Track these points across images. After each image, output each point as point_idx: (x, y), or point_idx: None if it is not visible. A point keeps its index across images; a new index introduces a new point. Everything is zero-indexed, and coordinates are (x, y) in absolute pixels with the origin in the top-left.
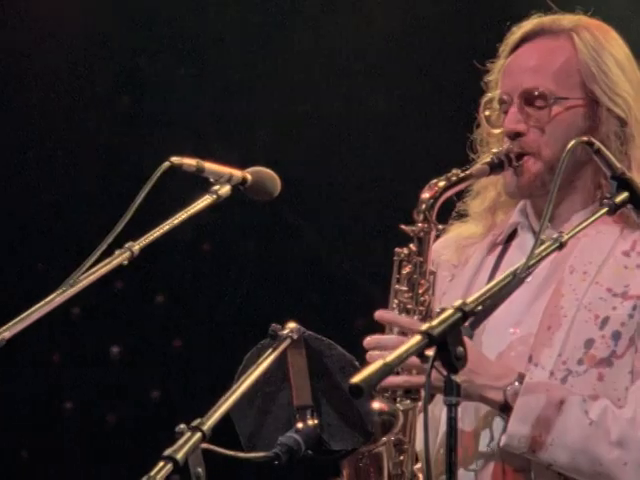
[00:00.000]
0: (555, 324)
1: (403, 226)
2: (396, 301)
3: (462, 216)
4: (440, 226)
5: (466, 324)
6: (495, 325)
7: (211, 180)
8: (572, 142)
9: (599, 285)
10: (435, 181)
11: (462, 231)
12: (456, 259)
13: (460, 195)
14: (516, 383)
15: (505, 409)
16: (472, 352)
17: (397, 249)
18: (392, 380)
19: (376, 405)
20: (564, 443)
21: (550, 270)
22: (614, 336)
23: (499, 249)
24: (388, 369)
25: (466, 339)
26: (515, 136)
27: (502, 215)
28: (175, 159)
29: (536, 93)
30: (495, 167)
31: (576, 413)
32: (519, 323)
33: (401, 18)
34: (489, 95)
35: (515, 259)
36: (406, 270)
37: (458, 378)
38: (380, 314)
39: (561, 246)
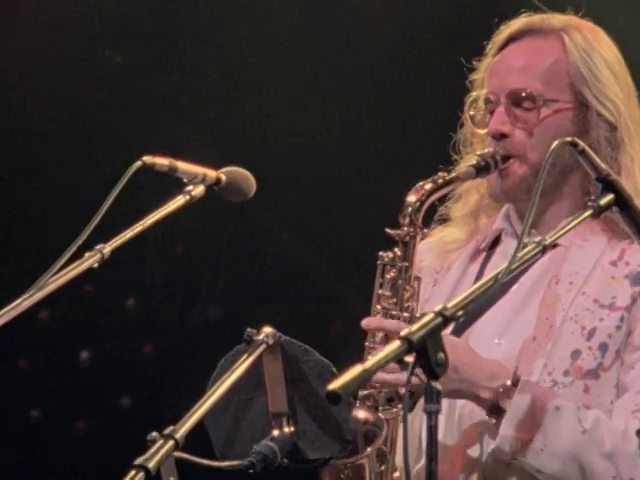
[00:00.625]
0: (541, 335)
1: (388, 229)
2: (379, 306)
3: (444, 220)
4: (425, 230)
5: (447, 331)
6: (480, 335)
7: (184, 180)
8: (555, 143)
9: (586, 296)
10: (421, 184)
11: (444, 236)
12: (438, 264)
13: (442, 199)
14: (508, 383)
15: (494, 410)
16: (465, 349)
17: (381, 253)
18: (381, 377)
19: (361, 415)
20: (556, 450)
21: (536, 280)
22: (601, 348)
23: (483, 256)
24: (367, 375)
25: (455, 339)
26: (501, 137)
27: (485, 219)
28: (147, 158)
29: (524, 94)
30: (481, 169)
31: (570, 420)
32: (504, 333)
33: (384, 15)
34: (474, 94)
35: (499, 266)
36: (390, 275)
37: (451, 375)
38: (366, 322)
39: (544, 250)
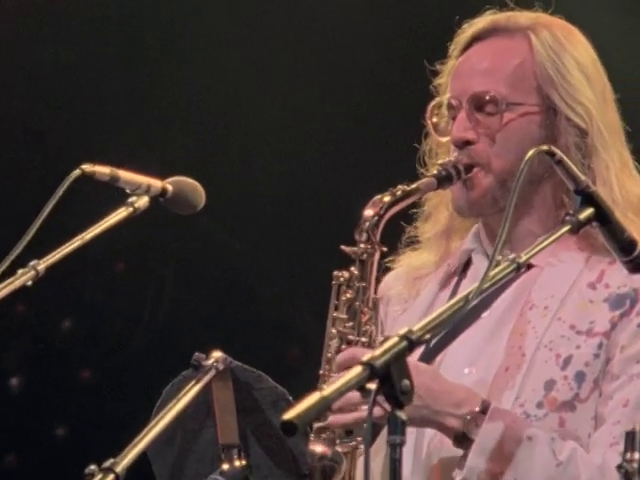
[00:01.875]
0: (513, 365)
1: (344, 247)
2: (334, 330)
3: (413, 243)
4: (385, 248)
5: (412, 357)
6: (450, 364)
7: (127, 191)
8: (531, 151)
9: (561, 321)
10: (379, 197)
11: (413, 261)
12: (407, 293)
13: (410, 219)
14: (477, 409)
15: (462, 440)
16: (432, 375)
17: (336, 272)
18: (339, 419)
19: (317, 449)
20: None
21: (509, 305)
22: (577, 377)
23: (454, 281)
24: (325, 404)
25: (420, 364)
26: (464, 145)
27: (458, 241)
28: (86, 167)
29: (487, 98)
30: (443, 180)
31: (544, 452)
32: (475, 362)
33: (341, 18)
34: (437, 100)
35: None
36: (346, 296)
37: (415, 401)
38: (340, 361)
39: (519, 268)
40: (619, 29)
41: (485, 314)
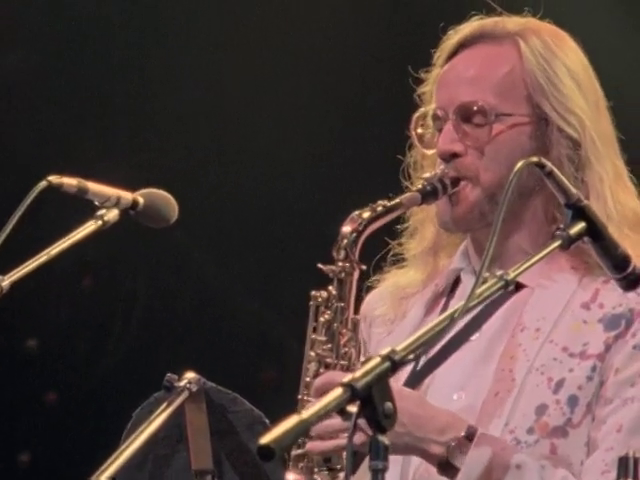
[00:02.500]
0: (503, 390)
1: (321, 265)
2: (313, 353)
3: (399, 261)
4: (364, 266)
5: (399, 381)
6: (438, 389)
7: (96, 203)
8: (520, 163)
9: (553, 344)
10: (358, 212)
11: (399, 280)
12: (392, 313)
13: (395, 236)
14: (462, 435)
15: (446, 467)
16: (415, 399)
17: (313, 292)
18: (318, 446)
19: (290, 477)
20: None
21: (499, 327)
22: (570, 401)
23: (442, 302)
24: (304, 427)
25: (404, 389)
26: (450, 158)
27: (446, 258)
28: (53, 178)
29: (474, 108)
30: (427, 195)
31: None
32: (464, 387)
33: (320, 22)
34: (422, 110)
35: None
36: (325, 317)
37: (396, 427)
38: (317, 386)
39: (507, 285)
40: (611, 33)
41: (475, 337)
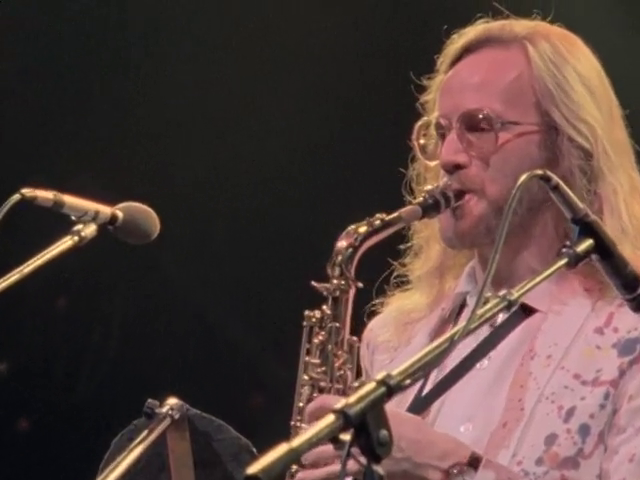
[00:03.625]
0: (512, 420)
1: (315, 283)
2: (306, 377)
3: (403, 283)
4: (360, 284)
5: (401, 409)
6: (445, 421)
7: (72, 218)
8: (523, 176)
9: (565, 370)
10: (354, 227)
11: (403, 304)
12: (396, 340)
13: (399, 256)
14: (464, 462)
15: None
16: (414, 424)
17: (307, 312)
18: (309, 475)
19: None
20: None
21: (509, 354)
22: (581, 430)
23: (449, 329)
24: (294, 456)
25: (402, 412)
26: (454, 169)
27: (452, 280)
28: (27, 191)
29: (480, 116)
30: (429, 208)
31: None
32: (472, 418)
33: (318, 26)
34: (425, 119)
35: (467, 339)
36: (319, 338)
37: (394, 453)
38: (310, 411)
39: (510, 305)
40: (626, 38)
41: (483, 364)
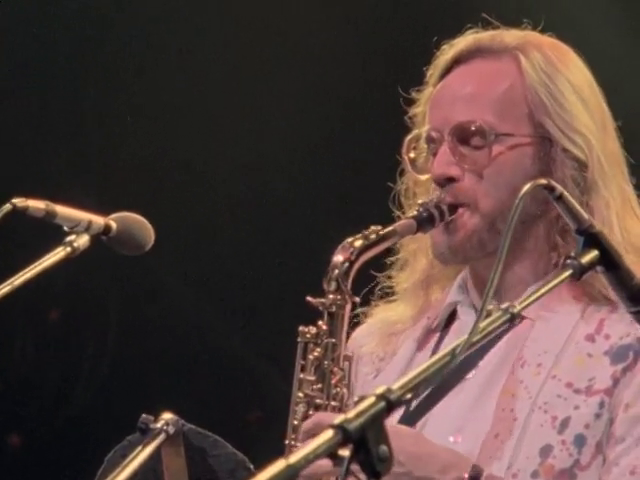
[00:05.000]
0: (504, 431)
1: (310, 298)
2: (301, 394)
3: (388, 295)
4: (357, 298)
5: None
6: (432, 432)
7: (65, 228)
8: (527, 186)
9: (557, 380)
10: (350, 240)
11: (388, 315)
12: (381, 351)
13: (384, 267)
14: (465, 476)
15: None
16: (414, 438)
17: (302, 328)
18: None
19: None
20: None
21: (497, 363)
22: (577, 441)
23: (435, 338)
24: (291, 473)
25: (401, 426)
26: (446, 182)
27: (439, 292)
28: (18, 201)
29: (472, 128)
30: (423, 222)
31: None
32: (461, 429)
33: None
34: (415, 132)
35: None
36: (314, 354)
37: (395, 468)
38: (306, 428)
39: (513, 318)
40: (618, 47)
41: (471, 374)
